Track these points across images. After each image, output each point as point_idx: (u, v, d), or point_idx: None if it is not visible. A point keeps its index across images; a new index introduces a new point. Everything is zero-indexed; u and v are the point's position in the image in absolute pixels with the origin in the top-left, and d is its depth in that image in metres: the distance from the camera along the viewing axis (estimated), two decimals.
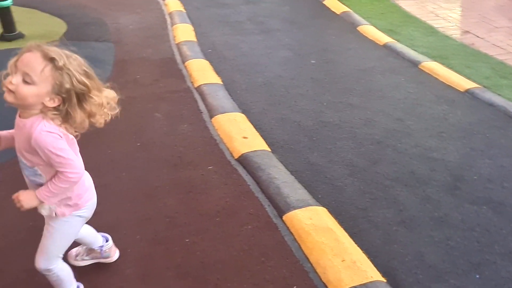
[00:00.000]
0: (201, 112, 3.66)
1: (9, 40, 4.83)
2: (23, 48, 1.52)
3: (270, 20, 6.04)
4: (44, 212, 1.73)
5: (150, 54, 4.79)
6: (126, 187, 2.77)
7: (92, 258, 2.16)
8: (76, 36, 5.12)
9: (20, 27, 4.97)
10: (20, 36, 4.92)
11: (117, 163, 3.00)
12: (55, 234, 1.78)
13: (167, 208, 2.59)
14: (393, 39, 5.43)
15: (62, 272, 1.88)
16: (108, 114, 1.66)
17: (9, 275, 2.13)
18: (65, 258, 2.01)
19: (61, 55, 1.52)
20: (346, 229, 2.49)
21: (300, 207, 2.58)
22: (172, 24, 5.66)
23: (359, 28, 5.81)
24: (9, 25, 4.85)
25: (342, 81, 4.39)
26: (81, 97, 1.56)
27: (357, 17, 6.17)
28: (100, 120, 1.65)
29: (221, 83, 4.18)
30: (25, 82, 1.48)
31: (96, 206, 2.56)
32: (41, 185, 1.66)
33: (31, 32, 5.07)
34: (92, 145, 3.17)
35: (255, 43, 5.27)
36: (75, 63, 1.54)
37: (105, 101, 1.63)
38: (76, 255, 2.17)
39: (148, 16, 5.97)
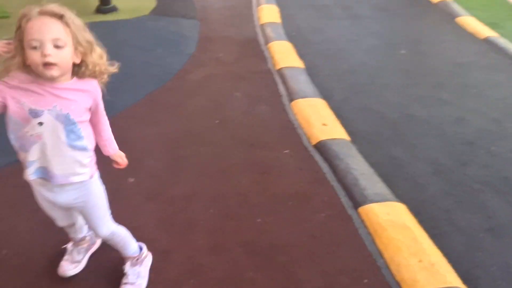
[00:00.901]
0: (281, 95, 3.62)
1: (105, 12, 5.08)
2: (20, 20, 1.42)
3: (359, 6, 5.80)
4: (82, 178, 1.64)
5: (234, 33, 4.81)
6: (203, 161, 2.81)
7: (87, 251, 2.05)
8: (165, 12, 5.29)
9: (114, 1, 5.22)
10: (115, 9, 5.16)
11: (196, 137, 3.05)
12: (98, 197, 1.74)
13: (241, 186, 2.59)
14: (496, 33, 4.96)
15: (123, 230, 1.88)
16: (107, 68, 1.58)
17: None
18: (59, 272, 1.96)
19: (60, 7, 1.45)
20: (425, 229, 2.32)
21: (378, 201, 2.45)
22: (258, 4, 5.65)
23: (457, 20, 5.38)
24: None
25: (433, 75, 4.10)
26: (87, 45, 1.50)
27: (456, 7, 5.73)
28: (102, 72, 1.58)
29: (303, 67, 4.09)
30: (58, 47, 1.42)
31: (174, 176, 2.65)
32: (79, 147, 1.60)
33: (124, 6, 5.30)
34: (173, 117, 3.28)
35: (342, 29, 5.09)
36: (70, 12, 1.47)
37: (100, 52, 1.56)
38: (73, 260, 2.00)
39: None
